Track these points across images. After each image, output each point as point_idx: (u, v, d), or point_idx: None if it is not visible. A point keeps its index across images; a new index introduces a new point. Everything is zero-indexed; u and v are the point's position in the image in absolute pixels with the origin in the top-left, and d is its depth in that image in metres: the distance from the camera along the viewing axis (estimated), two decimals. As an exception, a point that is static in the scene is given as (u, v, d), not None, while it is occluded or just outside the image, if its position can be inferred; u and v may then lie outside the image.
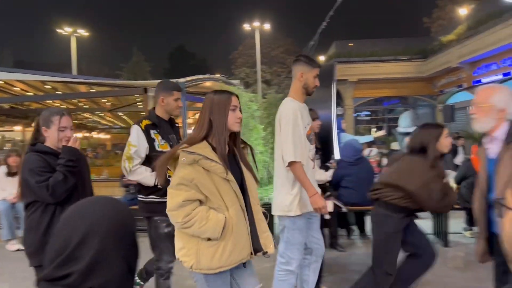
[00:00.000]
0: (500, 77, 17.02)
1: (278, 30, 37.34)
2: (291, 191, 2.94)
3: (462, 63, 18.78)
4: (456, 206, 5.35)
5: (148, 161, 3.07)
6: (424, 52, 22.78)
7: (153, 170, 3.01)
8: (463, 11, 20.20)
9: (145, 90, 6.70)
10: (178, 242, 2.12)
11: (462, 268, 4.55)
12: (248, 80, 33.63)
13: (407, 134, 6.82)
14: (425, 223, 6.21)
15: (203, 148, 2.06)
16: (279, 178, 3.02)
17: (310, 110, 3.63)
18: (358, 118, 25.10)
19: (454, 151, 11.06)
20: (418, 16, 37.02)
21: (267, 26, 23.53)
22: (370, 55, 22.97)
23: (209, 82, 8.12)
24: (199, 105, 10.79)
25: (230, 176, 2.07)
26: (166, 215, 3.17)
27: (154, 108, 3.23)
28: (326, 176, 5.09)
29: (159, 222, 3.08)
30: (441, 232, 5.36)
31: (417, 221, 6.19)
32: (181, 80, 6.66)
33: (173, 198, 2.03)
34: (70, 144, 2.54)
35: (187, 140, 2.10)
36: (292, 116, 2.88)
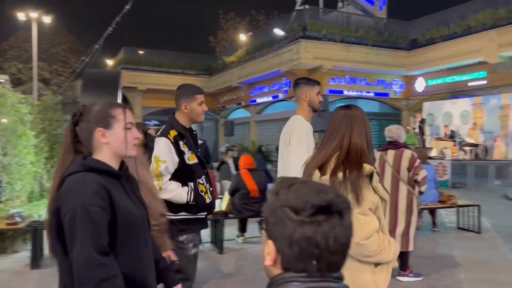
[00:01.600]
0: (270, 99, 19.68)
1: (61, 26, 33.94)
2: None
3: (241, 83, 20.95)
4: (230, 215, 5.82)
5: (175, 175, 2.70)
6: (210, 69, 24.45)
7: (183, 185, 2.70)
8: (243, 37, 22.57)
9: None
10: (356, 274, 1.84)
11: (234, 273, 4.95)
12: (21, 76, 29.43)
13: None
14: (202, 232, 6.57)
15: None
16: None
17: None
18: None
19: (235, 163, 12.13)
20: (206, 35, 39.57)
21: (47, 20, 21.05)
22: (159, 65, 23.24)
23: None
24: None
25: (387, 195, 1.96)
26: (195, 233, 2.81)
27: (174, 114, 2.88)
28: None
29: (186, 243, 2.74)
30: (217, 240, 5.72)
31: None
32: None
33: (366, 225, 1.78)
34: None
35: (363, 158, 1.87)
36: (305, 136, 2.97)
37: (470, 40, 14.74)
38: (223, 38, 32.74)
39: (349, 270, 1.80)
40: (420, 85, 17.84)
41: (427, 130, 16.01)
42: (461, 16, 15.54)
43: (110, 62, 26.45)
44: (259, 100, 20.64)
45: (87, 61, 17.60)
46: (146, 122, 24.98)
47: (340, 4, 21.39)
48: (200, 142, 7.36)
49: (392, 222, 4.36)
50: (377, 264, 1.89)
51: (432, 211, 6.78)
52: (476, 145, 13.14)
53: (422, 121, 15.24)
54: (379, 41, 17.07)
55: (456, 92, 16.23)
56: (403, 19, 18.58)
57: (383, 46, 17.04)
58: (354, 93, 17.67)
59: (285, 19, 18.18)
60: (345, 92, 17.46)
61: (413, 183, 4.39)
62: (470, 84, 15.66)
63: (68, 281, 1.39)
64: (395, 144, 4.51)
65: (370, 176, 1.85)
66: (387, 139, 4.61)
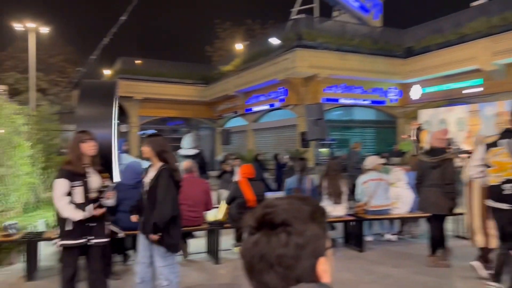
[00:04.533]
0: (267, 107, 19.73)
1: (58, 36, 33.99)
2: None
3: (238, 92, 21.00)
4: (226, 225, 5.80)
5: None
6: (206, 78, 24.52)
7: None
8: (239, 46, 22.67)
9: None
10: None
11: (230, 283, 4.92)
12: (18, 87, 29.41)
13: (187, 156, 7.06)
14: (198, 241, 6.54)
15: None
16: None
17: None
18: (143, 136, 25.01)
19: (232, 172, 12.11)
20: (202, 45, 39.66)
21: (44, 30, 21.11)
22: (156, 75, 23.30)
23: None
24: None
25: None
26: None
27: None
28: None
29: None
30: (213, 250, 5.70)
31: (191, 240, 6.41)
32: None
33: None
34: None
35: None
36: None
37: (464, 48, 14.84)
38: (220, 48, 32.86)
39: None
40: (415, 92, 17.91)
41: (425, 137, 16.01)
42: (456, 24, 15.66)
43: (107, 72, 26.51)
44: (255, 109, 20.68)
45: (84, 71, 17.59)
46: (143, 132, 25.00)
47: (335, 13, 21.56)
48: (195, 151, 7.35)
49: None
50: None
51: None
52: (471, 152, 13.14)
53: (419, 128, 15.25)
54: (374, 49, 17.15)
55: (452, 99, 16.30)
56: (398, 27, 18.71)
57: (379, 54, 17.13)
58: (350, 101, 17.73)
59: (281, 28, 18.28)
60: (341, 100, 17.52)
61: None
62: (465, 91, 15.74)
63: None
64: None
65: None
66: None
